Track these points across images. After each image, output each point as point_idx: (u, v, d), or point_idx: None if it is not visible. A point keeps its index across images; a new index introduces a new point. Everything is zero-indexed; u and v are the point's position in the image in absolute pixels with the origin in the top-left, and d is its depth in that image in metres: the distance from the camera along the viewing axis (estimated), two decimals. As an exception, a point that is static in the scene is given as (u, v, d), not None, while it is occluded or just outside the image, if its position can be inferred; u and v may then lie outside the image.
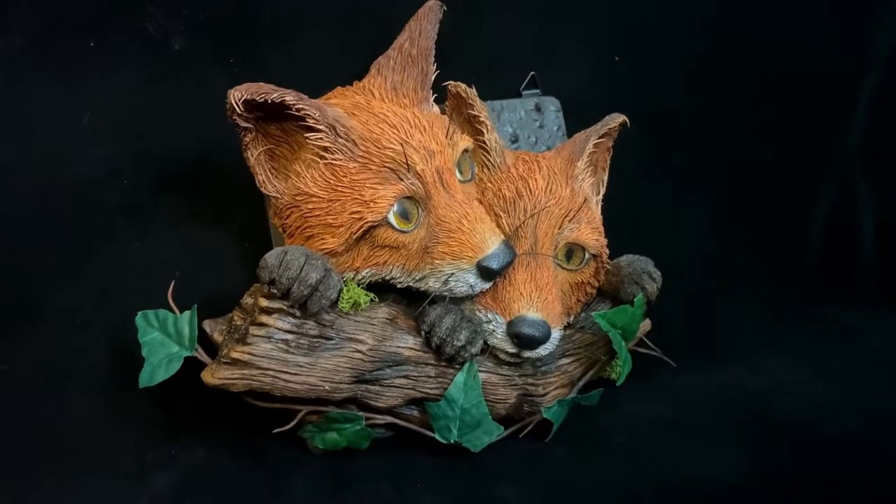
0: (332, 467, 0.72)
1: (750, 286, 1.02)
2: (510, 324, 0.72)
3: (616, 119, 0.82)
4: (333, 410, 0.70)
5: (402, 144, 0.67)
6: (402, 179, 0.67)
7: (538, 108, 0.89)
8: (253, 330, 0.64)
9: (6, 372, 0.68)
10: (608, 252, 0.82)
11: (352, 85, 0.74)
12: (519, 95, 0.90)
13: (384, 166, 0.67)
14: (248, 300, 0.68)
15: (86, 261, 0.70)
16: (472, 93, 0.79)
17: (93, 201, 0.70)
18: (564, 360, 0.80)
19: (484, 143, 0.78)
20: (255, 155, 0.67)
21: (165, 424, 0.72)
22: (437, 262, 0.69)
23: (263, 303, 0.65)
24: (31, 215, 0.68)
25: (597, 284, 0.82)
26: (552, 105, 0.90)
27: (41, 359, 0.69)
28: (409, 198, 0.68)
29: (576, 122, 0.87)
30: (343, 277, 0.70)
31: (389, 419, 0.72)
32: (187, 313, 0.66)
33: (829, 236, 1.05)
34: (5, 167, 0.67)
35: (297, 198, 0.68)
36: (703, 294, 1.00)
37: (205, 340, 0.68)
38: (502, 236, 0.70)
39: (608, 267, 0.82)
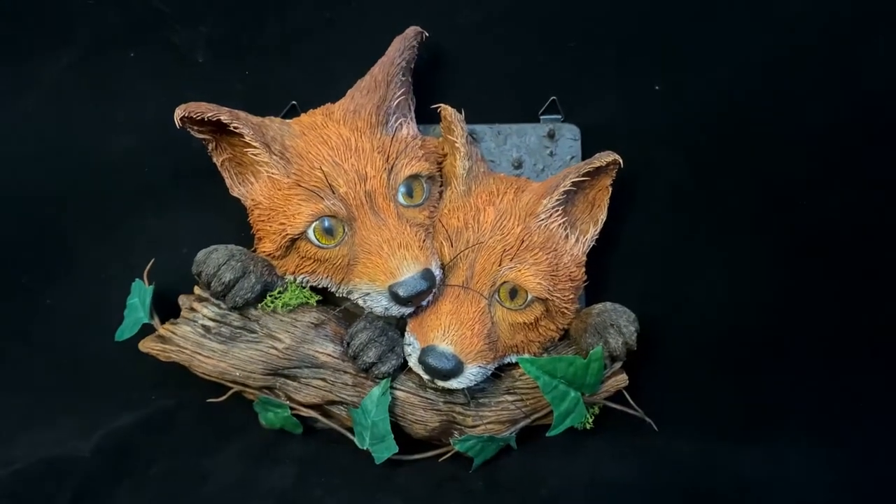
0: (265, 443, 0.81)
1: (807, 356, 0.86)
2: (422, 351, 0.73)
3: (606, 157, 0.77)
4: (261, 394, 0.78)
5: (323, 167, 0.71)
6: (323, 199, 0.71)
7: (551, 135, 0.85)
8: (184, 312, 0.75)
9: (49, 305, 0.88)
10: (567, 296, 0.78)
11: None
12: (537, 120, 0.87)
13: (311, 186, 0.72)
14: (203, 285, 0.79)
15: (113, 229, 0.86)
16: (455, 117, 0.80)
17: (120, 183, 0.86)
18: (507, 397, 0.79)
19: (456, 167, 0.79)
20: (219, 161, 0.77)
21: (156, 373, 0.85)
22: (355, 280, 0.73)
23: (197, 290, 0.75)
24: (72, 191, 0.86)
25: (554, 327, 0.79)
26: (569, 133, 0.85)
27: (75, 300, 0.87)
28: (334, 217, 0.72)
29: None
30: (284, 280, 0.77)
31: (314, 413, 0.79)
32: (150, 287, 0.79)
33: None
34: (57, 152, 0.85)
35: (251, 202, 0.77)
36: (743, 355, 0.87)
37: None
38: (424, 265, 0.72)
39: (566, 312, 0.78)
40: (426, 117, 0.84)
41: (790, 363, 0.87)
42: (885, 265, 0.84)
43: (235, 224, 0.86)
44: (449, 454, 0.79)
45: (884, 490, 0.76)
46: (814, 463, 0.79)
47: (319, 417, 0.79)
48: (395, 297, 0.71)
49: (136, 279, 0.82)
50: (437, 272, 0.73)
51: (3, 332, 0.88)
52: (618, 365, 0.78)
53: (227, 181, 0.78)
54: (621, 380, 0.79)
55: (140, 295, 0.79)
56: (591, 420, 0.80)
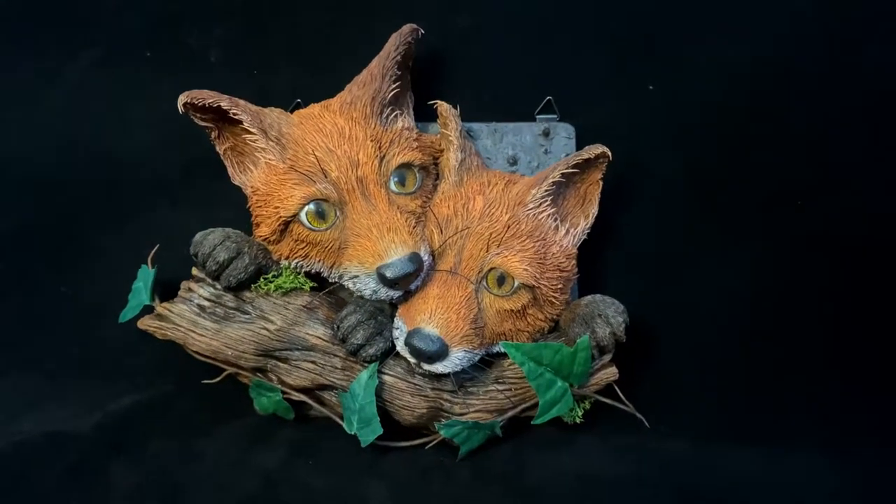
0: (257, 428, 0.82)
1: (804, 355, 0.84)
2: (408, 334, 0.74)
3: (593, 150, 0.78)
4: (255, 377, 0.80)
5: (316, 152, 0.74)
6: (315, 183, 0.74)
7: (546, 134, 0.87)
8: (181, 293, 0.78)
9: (66, 293, 0.92)
10: (555, 286, 0.78)
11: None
12: (533, 119, 0.88)
13: (304, 170, 0.75)
14: (203, 268, 0.81)
15: (127, 221, 0.91)
16: (450, 112, 0.82)
17: (134, 177, 0.90)
18: (496, 387, 0.79)
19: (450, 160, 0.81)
20: (222, 150, 0.80)
21: (160, 358, 0.88)
22: (346, 262, 0.75)
23: (194, 272, 0.78)
24: (89, 184, 0.90)
25: (542, 317, 0.79)
26: (564, 131, 0.87)
27: (91, 289, 0.91)
28: (325, 200, 0.75)
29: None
30: (279, 265, 0.80)
31: (305, 398, 0.80)
32: (153, 270, 0.82)
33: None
34: (74, 146, 0.90)
35: (251, 189, 0.80)
36: (738, 354, 0.86)
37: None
38: (412, 249, 0.73)
39: (555, 301, 0.79)
40: (428, 116, 0.87)
41: (786, 362, 0.86)
42: (884, 265, 0.83)
43: (243, 216, 0.90)
44: (435, 442, 0.79)
45: (885, 498, 0.74)
46: (810, 466, 0.77)
47: (313, 404, 0.80)
48: (383, 279, 0.73)
49: (143, 265, 0.85)
50: (425, 257, 0.75)
51: (20, 317, 0.92)
52: (607, 357, 0.78)
53: (229, 170, 0.81)
54: (611, 373, 0.79)
55: (144, 279, 0.83)
56: (580, 414, 0.79)
